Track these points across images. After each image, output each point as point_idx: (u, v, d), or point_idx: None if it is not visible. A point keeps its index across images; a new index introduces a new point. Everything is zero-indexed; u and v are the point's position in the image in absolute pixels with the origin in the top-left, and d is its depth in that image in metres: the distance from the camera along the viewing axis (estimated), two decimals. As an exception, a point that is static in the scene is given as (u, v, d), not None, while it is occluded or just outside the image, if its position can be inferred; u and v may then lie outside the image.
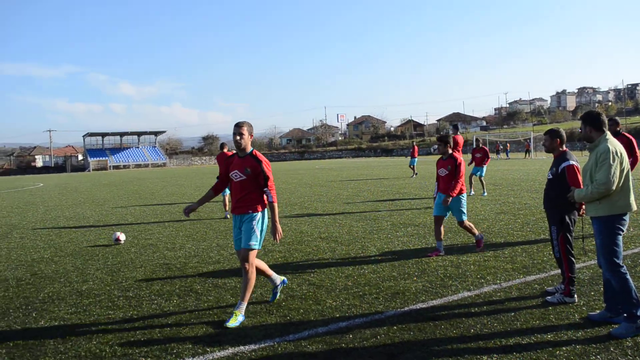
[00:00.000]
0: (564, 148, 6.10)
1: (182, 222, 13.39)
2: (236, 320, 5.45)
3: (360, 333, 5.06)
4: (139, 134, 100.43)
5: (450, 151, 8.35)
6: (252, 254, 5.67)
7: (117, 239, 10.36)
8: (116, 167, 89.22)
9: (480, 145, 18.63)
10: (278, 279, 6.19)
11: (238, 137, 5.68)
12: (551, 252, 7.73)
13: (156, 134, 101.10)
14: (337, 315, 5.59)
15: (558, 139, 6.07)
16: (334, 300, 6.11)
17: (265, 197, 5.76)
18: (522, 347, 4.58)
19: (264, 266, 6.09)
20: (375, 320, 5.39)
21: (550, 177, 6.00)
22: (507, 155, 57.53)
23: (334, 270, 7.57)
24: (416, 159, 28.82)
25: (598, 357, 4.34)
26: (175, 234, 11.38)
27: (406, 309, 5.72)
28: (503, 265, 7.44)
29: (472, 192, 17.35)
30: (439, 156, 8.53)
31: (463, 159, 8.52)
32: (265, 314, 5.74)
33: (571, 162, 5.84)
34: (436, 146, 8.93)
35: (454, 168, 8.19)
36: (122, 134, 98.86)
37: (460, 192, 8.23)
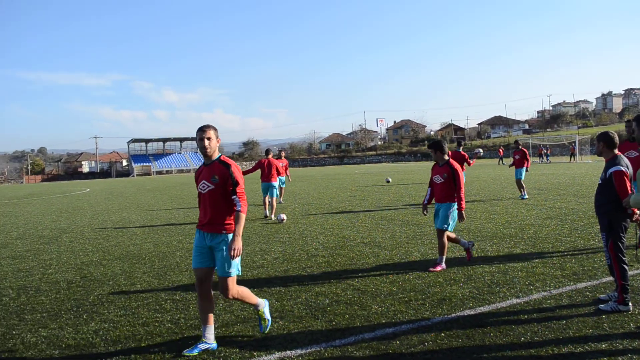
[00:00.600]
0: (616, 152, 5.89)
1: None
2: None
3: (407, 339, 5.00)
4: (182, 139, 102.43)
5: (446, 158, 7.94)
6: (232, 282, 5.03)
7: (282, 219, 13.00)
8: (159, 173, 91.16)
9: (520, 147, 18.45)
10: (261, 304, 5.44)
11: (204, 142, 5.03)
12: (602, 259, 7.53)
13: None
14: (383, 321, 5.54)
15: (602, 142, 5.89)
16: (380, 306, 6.06)
17: (234, 206, 5.04)
18: (576, 357, 4.44)
19: (246, 293, 5.32)
20: (422, 327, 5.33)
21: (600, 182, 5.84)
22: (548, 159, 56.17)
23: (378, 275, 7.52)
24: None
25: (657, 368, 4.17)
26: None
27: (453, 315, 5.63)
28: (552, 271, 7.25)
29: (526, 195, 17.05)
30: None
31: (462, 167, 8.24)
32: (310, 319, 5.73)
33: (619, 167, 5.64)
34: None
35: (450, 176, 7.75)
36: (164, 140, 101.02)
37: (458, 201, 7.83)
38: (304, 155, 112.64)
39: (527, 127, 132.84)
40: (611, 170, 5.66)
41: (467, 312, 5.72)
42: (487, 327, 5.23)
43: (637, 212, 5.59)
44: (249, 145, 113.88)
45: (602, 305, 5.65)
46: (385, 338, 5.06)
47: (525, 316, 5.53)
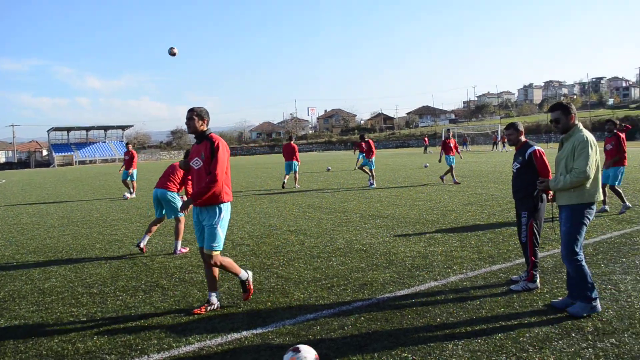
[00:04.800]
0: (525, 139, 6.32)
1: (150, 217, 13.18)
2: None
3: (327, 325, 5.05)
4: (106, 128, 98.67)
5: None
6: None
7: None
8: (82, 162, 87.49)
9: (450, 136, 19.45)
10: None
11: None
12: (516, 242, 7.88)
13: (123, 128, 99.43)
14: (305, 308, 5.57)
15: (517, 131, 6.32)
16: (302, 293, 6.09)
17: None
18: (487, 334, 4.64)
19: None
20: (342, 312, 5.39)
21: (518, 166, 6.13)
22: (466, 147, 58.46)
23: (302, 262, 7.55)
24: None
25: (560, 342, 4.42)
26: (142, 229, 11.19)
27: (374, 299, 5.74)
28: (469, 255, 7.53)
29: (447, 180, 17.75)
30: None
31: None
32: (232, 308, 5.68)
33: (536, 147, 6.05)
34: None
35: None
36: (88, 129, 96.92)
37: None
38: (234, 144, 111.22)
39: (453, 116, 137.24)
40: (530, 150, 6.02)
41: (387, 295, 5.85)
42: (405, 310, 5.36)
43: (556, 194, 5.93)
44: (178, 133, 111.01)
45: (513, 286, 5.92)
46: (306, 324, 5.09)
47: (442, 297, 5.72)
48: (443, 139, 19.79)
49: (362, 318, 5.18)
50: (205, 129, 5.60)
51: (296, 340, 4.68)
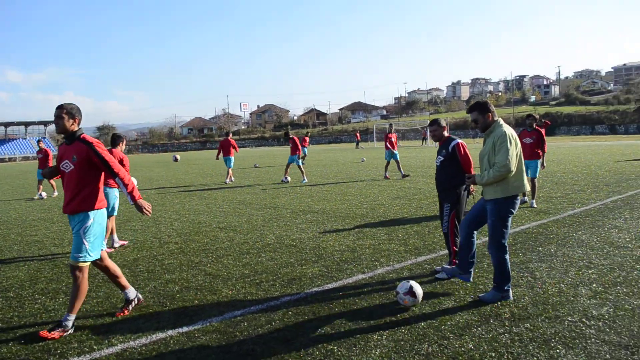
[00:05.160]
0: (448, 134, 6.55)
1: (73, 216, 12.68)
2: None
3: (255, 320, 5.04)
4: (27, 124, 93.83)
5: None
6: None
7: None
8: (1, 160, 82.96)
9: (392, 130, 19.65)
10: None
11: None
12: (441, 234, 8.13)
13: (46, 124, 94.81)
14: (233, 304, 5.53)
15: (441, 127, 6.55)
16: (230, 289, 6.04)
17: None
18: (410, 324, 4.77)
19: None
20: (270, 307, 5.40)
21: (442, 159, 6.34)
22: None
23: (231, 259, 7.49)
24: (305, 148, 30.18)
25: (479, 329, 4.60)
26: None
27: (302, 294, 5.77)
28: (396, 247, 7.71)
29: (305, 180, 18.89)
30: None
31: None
32: (158, 307, 5.56)
33: (458, 140, 6.32)
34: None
35: None
36: (7, 125, 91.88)
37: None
38: (164, 141, 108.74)
39: (385, 112, 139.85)
40: (452, 143, 6.24)
41: (315, 289, 5.90)
42: (332, 303, 5.43)
43: (483, 189, 6.16)
44: (104, 129, 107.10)
45: (438, 275, 6.14)
46: (234, 321, 5.06)
47: (369, 289, 5.83)
48: (386, 132, 19.97)
49: (290, 313, 5.21)
50: (76, 128, 5.14)
51: (223, 337, 4.65)
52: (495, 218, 5.31)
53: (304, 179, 18.77)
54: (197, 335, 4.75)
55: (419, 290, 5.20)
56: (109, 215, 8.26)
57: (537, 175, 11.18)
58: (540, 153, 11.06)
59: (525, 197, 11.35)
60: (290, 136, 19.92)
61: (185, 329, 4.91)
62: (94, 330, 5.00)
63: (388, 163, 19.05)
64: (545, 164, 11.45)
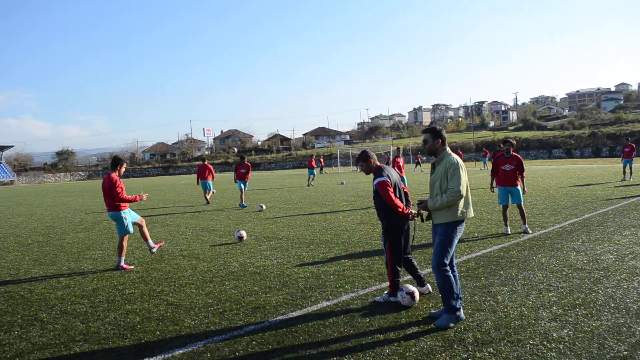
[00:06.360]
0: (379, 164, 6.48)
1: (29, 245, 12.31)
2: None
3: (218, 351, 4.96)
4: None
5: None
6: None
7: (241, 237, 11.00)
8: (-47, 187, 79.99)
9: (399, 154, 19.55)
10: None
11: None
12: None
13: (2, 148, 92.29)
14: (196, 335, 5.43)
15: (367, 161, 6.45)
16: (193, 319, 5.93)
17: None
18: (375, 351, 4.77)
19: None
20: (234, 337, 5.32)
21: (373, 191, 6.38)
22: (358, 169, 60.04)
23: (194, 288, 7.37)
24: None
25: (443, 354, 4.63)
26: (21, 259, 10.42)
27: (266, 322, 5.71)
28: (361, 273, 7.72)
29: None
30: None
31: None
32: (118, 339, 5.41)
33: (382, 178, 6.15)
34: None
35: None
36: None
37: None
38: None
39: (348, 137, 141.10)
40: (375, 182, 6.24)
41: (280, 318, 5.85)
42: (297, 331, 5.39)
43: (412, 211, 6.21)
44: (64, 154, 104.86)
45: (377, 298, 6.31)
46: (197, 351, 4.97)
47: (334, 317, 5.80)
48: (392, 157, 19.48)
49: (254, 342, 5.14)
50: None
51: (185, 370, 4.55)
52: (444, 237, 5.46)
53: (243, 204, 19.32)
54: (158, 367, 4.64)
55: (417, 297, 6.02)
56: (125, 233, 9.00)
57: (522, 201, 10.91)
58: (519, 179, 10.80)
59: (508, 228, 10.81)
60: (246, 162, 20.44)
61: (146, 361, 4.79)
62: (50, 365, 4.84)
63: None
64: (526, 189, 11.28)
